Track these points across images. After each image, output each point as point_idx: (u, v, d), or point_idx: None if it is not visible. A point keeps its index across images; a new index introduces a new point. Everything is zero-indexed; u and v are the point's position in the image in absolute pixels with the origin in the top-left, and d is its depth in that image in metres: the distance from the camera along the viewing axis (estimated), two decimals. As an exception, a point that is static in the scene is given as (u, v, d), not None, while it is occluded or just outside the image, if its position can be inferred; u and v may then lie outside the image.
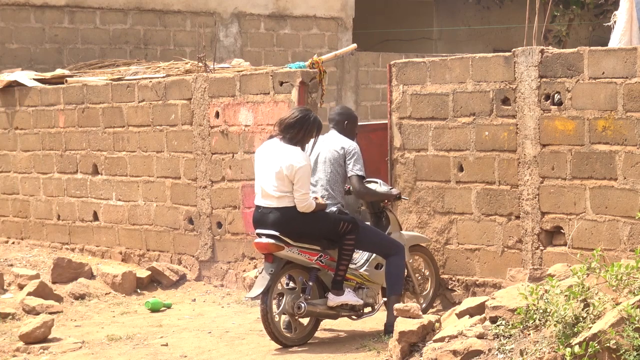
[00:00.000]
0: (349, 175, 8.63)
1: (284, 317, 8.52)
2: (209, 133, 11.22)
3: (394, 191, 9.01)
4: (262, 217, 8.32)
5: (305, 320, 8.60)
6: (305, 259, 8.38)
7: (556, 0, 17.95)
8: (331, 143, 8.71)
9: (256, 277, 8.98)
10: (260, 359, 8.23)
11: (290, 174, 8.18)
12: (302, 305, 8.33)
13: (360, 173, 8.60)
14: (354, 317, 8.76)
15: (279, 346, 8.42)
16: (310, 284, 8.45)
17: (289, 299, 8.38)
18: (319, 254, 8.42)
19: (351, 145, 8.66)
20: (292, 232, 8.26)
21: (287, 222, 8.24)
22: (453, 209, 9.33)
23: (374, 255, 8.79)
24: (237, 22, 17.55)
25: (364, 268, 8.79)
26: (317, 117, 8.42)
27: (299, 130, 8.26)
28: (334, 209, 8.52)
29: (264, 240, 8.25)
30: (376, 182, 9.04)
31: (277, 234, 8.22)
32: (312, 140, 8.45)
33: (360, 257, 8.85)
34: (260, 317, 8.41)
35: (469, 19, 21.41)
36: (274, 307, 8.40)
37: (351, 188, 8.71)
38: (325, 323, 9.00)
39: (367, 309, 8.79)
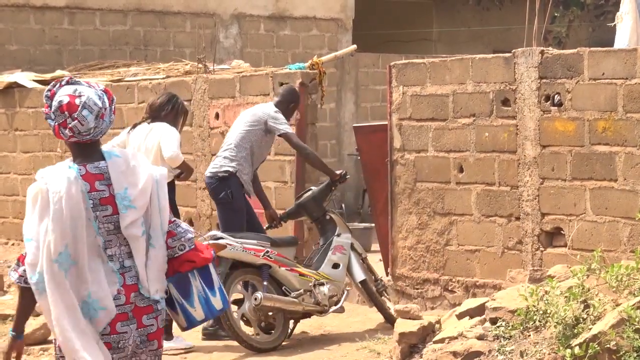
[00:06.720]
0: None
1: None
2: (209, 134, 11.21)
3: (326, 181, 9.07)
4: None
5: (275, 322, 8.47)
6: (251, 256, 8.30)
7: (556, 1, 17.93)
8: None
9: None
10: (259, 359, 8.25)
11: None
12: (259, 295, 8.17)
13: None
14: (318, 313, 8.65)
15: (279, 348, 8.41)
16: (265, 283, 8.31)
17: (247, 304, 8.29)
18: (265, 249, 8.35)
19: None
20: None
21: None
22: (453, 210, 9.32)
23: (328, 255, 8.74)
24: (237, 23, 17.54)
25: (321, 268, 8.69)
26: (183, 102, 8.94)
27: (170, 109, 8.63)
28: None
29: (204, 243, 8.15)
30: (310, 190, 9.07)
31: (218, 234, 8.22)
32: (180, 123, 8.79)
33: (314, 259, 8.78)
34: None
35: (468, 20, 21.38)
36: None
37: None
38: (326, 323, 9.00)
39: (332, 306, 8.67)
